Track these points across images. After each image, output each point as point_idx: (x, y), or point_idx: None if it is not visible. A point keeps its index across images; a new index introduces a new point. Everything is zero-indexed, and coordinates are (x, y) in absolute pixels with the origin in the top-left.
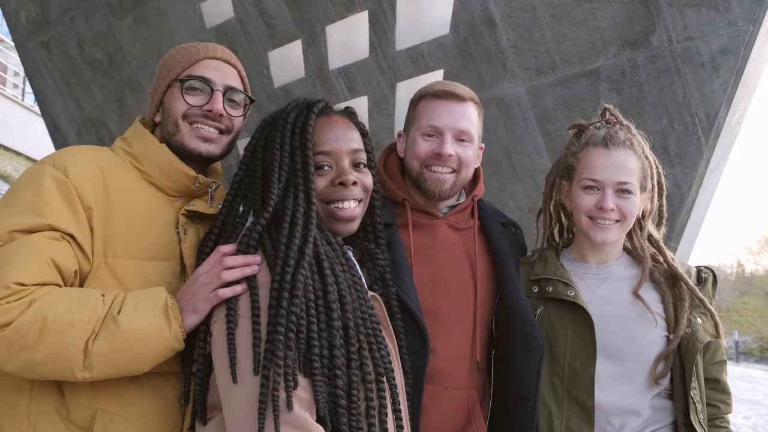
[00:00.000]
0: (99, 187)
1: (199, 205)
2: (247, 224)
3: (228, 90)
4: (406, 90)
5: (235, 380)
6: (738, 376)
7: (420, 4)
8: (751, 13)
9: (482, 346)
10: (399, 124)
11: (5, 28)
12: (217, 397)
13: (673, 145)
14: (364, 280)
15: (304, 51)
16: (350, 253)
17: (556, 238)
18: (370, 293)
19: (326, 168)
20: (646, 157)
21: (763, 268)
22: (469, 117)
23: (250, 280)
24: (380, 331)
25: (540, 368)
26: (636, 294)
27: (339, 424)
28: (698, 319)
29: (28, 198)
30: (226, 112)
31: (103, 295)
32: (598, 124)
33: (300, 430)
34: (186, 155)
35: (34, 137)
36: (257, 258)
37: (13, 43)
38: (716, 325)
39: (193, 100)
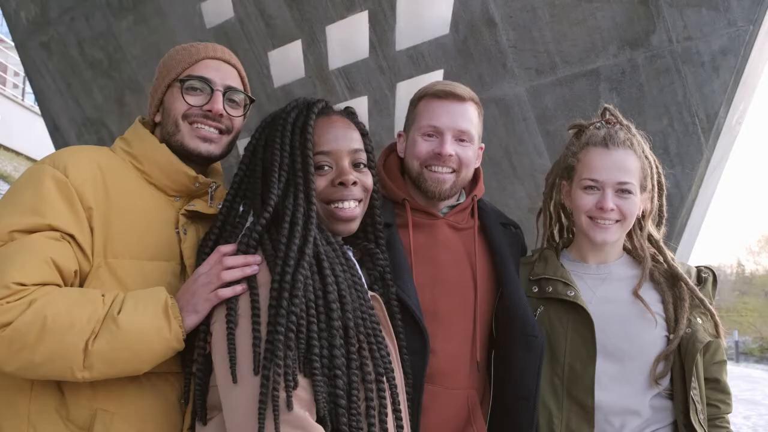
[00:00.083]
0: (99, 187)
1: (199, 205)
2: (247, 224)
3: (228, 90)
4: (406, 90)
5: (235, 380)
6: (738, 376)
7: (420, 4)
8: (751, 13)
9: (482, 346)
10: (399, 124)
11: (5, 28)
12: (217, 397)
13: (673, 145)
14: (364, 280)
15: (304, 51)
16: (350, 253)
17: (556, 238)
18: (370, 293)
19: (326, 168)
20: (646, 157)
21: (763, 268)
22: (469, 117)
23: (250, 280)
24: (380, 331)
25: (540, 368)
26: (636, 294)
27: (339, 424)
28: (698, 319)
29: (28, 198)
30: (226, 112)
31: (103, 295)
32: (598, 124)
33: (300, 430)
34: (186, 155)
35: (34, 137)
36: (257, 258)
37: (13, 43)
38: (716, 325)
39: (193, 100)
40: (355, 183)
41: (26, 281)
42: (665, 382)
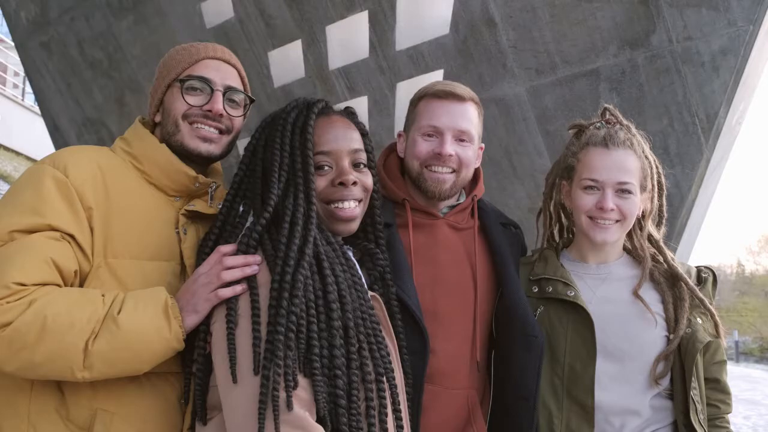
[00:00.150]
0: (99, 187)
1: (199, 205)
2: (247, 224)
3: (228, 90)
4: (406, 90)
5: (235, 380)
6: (738, 376)
7: (420, 4)
8: (751, 13)
9: (482, 346)
10: (399, 124)
11: (5, 28)
12: (217, 397)
13: (673, 145)
14: (364, 280)
15: (304, 51)
16: (350, 253)
17: (556, 238)
18: (370, 293)
19: (326, 168)
20: (646, 157)
21: (763, 268)
22: (469, 117)
23: (250, 280)
24: (380, 331)
25: (540, 368)
26: (636, 294)
27: (339, 424)
28: (698, 319)
29: (28, 198)
30: (226, 112)
31: (103, 295)
32: (598, 124)
33: (300, 430)
34: (186, 155)
35: (34, 137)
36: (257, 258)
37: (13, 43)
38: (716, 325)
39: (193, 100)
40: (355, 183)
41: (26, 281)
42: (665, 382)
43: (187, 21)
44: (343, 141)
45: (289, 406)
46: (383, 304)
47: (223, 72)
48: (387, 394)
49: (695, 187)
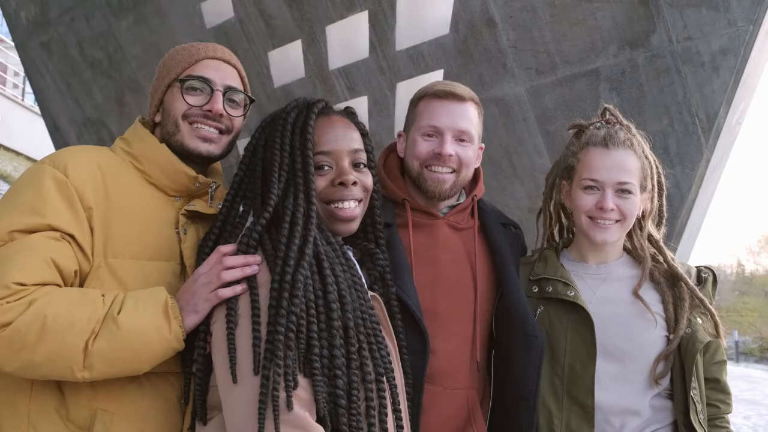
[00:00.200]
0: (99, 187)
1: (199, 205)
2: (247, 224)
3: (228, 90)
4: (406, 90)
5: (235, 380)
6: (738, 376)
7: (420, 4)
8: (751, 13)
9: (482, 346)
10: (399, 124)
11: (5, 28)
12: (217, 397)
13: (673, 145)
14: (364, 280)
15: (304, 51)
16: (350, 253)
17: (556, 238)
18: (370, 293)
19: (326, 168)
20: (646, 157)
21: (763, 268)
22: (469, 117)
23: (250, 280)
24: (380, 331)
25: (540, 368)
26: (636, 294)
27: (339, 424)
28: (698, 319)
29: (28, 198)
30: (226, 112)
31: (103, 295)
32: (598, 124)
33: (300, 430)
34: (186, 155)
35: (34, 137)
36: (257, 258)
37: (13, 43)
38: (716, 325)
39: (193, 100)
40: (355, 183)
41: (26, 281)
42: (665, 382)
43: (187, 21)
44: (343, 141)
45: (289, 406)
46: (383, 304)
47: (223, 72)
48: (387, 394)
49: (695, 187)
